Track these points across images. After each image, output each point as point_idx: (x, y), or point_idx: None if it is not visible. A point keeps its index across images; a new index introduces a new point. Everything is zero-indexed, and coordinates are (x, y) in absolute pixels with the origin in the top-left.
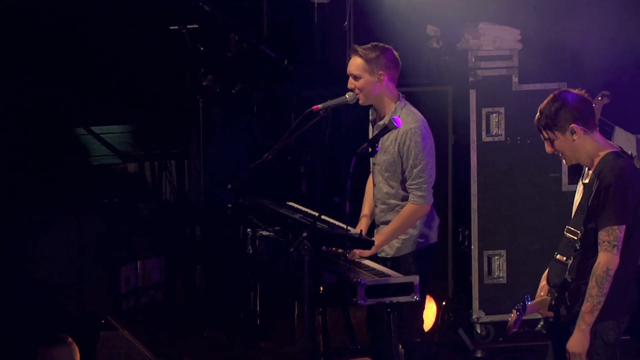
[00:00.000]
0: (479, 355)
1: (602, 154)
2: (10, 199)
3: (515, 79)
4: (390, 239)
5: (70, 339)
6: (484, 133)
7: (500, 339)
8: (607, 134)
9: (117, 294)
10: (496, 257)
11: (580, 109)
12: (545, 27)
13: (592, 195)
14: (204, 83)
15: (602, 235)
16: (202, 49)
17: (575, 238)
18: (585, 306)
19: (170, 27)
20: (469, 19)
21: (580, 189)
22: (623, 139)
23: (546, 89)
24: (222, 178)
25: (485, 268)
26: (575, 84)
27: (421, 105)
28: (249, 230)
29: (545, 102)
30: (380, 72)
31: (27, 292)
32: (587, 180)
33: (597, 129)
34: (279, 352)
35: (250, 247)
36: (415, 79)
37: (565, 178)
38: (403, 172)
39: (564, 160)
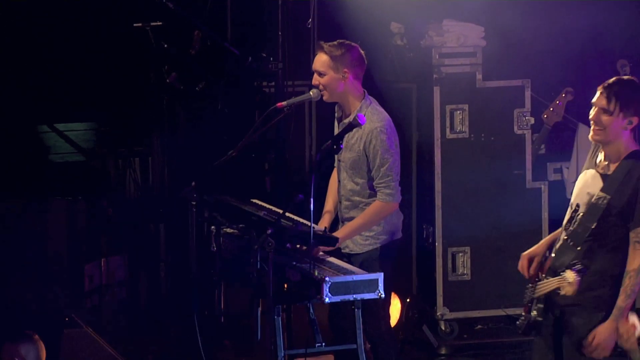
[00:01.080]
0: (443, 352)
1: (630, 150)
2: None
3: (479, 76)
4: (354, 235)
5: (36, 336)
6: (447, 130)
7: (465, 336)
8: (571, 131)
9: (80, 291)
10: (460, 254)
11: None
12: (508, 23)
13: (621, 191)
14: (167, 80)
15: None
16: (165, 46)
17: (591, 227)
18: (621, 299)
19: (134, 24)
20: (433, 16)
21: (590, 176)
22: (586, 136)
23: (510, 86)
24: (185, 175)
25: (450, 265)
26: (538, 80)
27: (385, 102)
28: (212, 227)
29: (627, 78)
30: (345, 69)
31: None
32: (609, 172)
33: None
34: (243, 350)
35: (214, 245)
36: (379, 76)
37: (529, 175)
38: (369, 171)
39: (592, 134)
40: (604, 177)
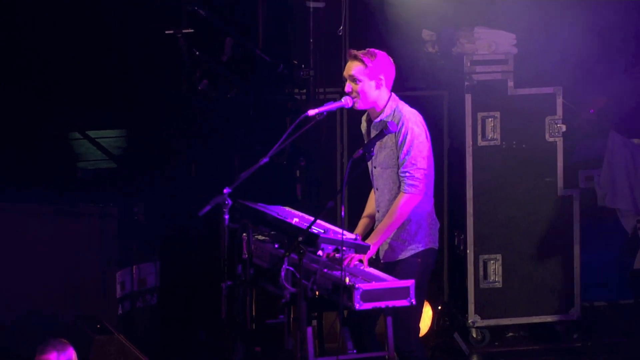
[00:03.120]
0: (474, 359)
1: None
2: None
3: (510, 83)
4: (386, 236)
5: (66, 342)
6: (479, 137)
7: (496, 343)
8: (603, 139)
9: (112, 298)
10: (492, 262)
11: None
12: (540, 30)
13: None
14: (199, 87)
15: None
16: (197, 53)
17: None
18: None
19: (166, 32)
20: (465, 24)
21: None
22: (618, 143)
23: (542, 93)
24: (217, 182)
25: (481, 272)
26: (570, 88)
27: (417, 109)
28: (244, 234)
29: None
30: (380, 75)
31: (22, 296)
32: None
33: None
34: (274, 357)
35: (245, 252)
36: (410, 84)
37: (560, 182)
38: None
39: None
40: None
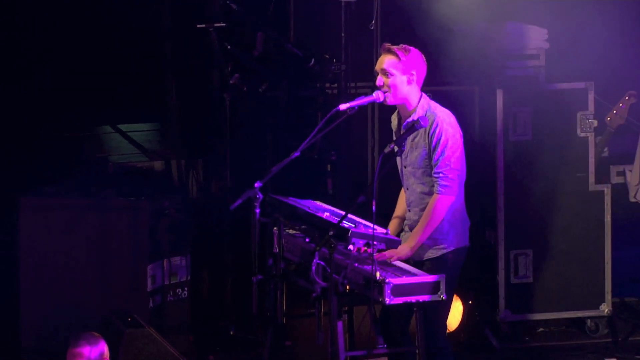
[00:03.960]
0: (505, 355)
1: None
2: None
3: (542, 78)
4: (424, 237)
5: (98, 335)
6: (510, 132)
7: (527, 339)
8: (634, 134)
9: (143, 291)
10: (522, 257)
11: None
12: (571, 26)
13: None
14: (230, 81)
15: None
16: (229, 47)
17: None
18: None
19: (198, 25)
20: (496, 19)
21: None
22: None
23: (573, 88)
24: (248, 176)
25: (512, 267)
26: (602, 83)
27: (448, 104)
28: (275, 228)
29: None
30: (413, 71)
31: (55, 290)
32: None
33: None
34: (305, 352)
35: (276, 246)
36: (441, 79)
37: (592, 178)
38: None
39: None
40: None
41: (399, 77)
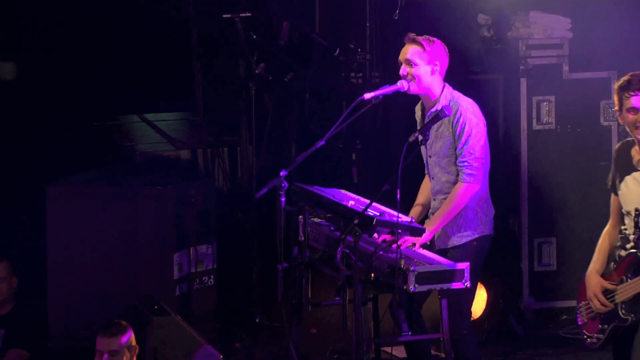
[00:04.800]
0: (528, 342)
1: None
2: (63, 186)
3: (565, 68)
4: (443, 223)
5: (125, 323)
6: (534, 121)
7: (550, 326)
8: None
9: (169, 279)
10: (546, 245)
11: None
12: (595, 15)
13: None
14: (256, 71)
15: None
16: (254, 37)
17: None
18: None
19: (224, 15)
20: (520, 8)
21: (638, 178)
22: None
23: (596, 77)
24: (274, 165)
25: (536, 255)
26: (625, 72)
27: (472, 93)
28: (300, 217)
29: None
30: (436, 61)
31: (83, 278)
32: None
33: None
34: (330, 338)
35: (301, 234)
36: (466, 68)
37: None
38: None
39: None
40: None
41: (423, 67)
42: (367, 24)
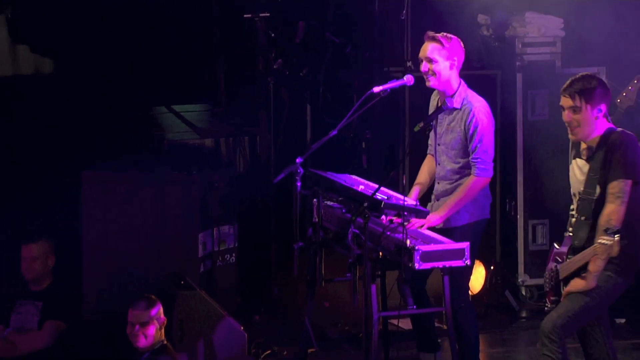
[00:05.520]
0: (523, 315)
1: (604, 132)
2: (97, 172)
3: (558, 64)
4: (454, 210)
5: (154, 297)
6: (529, 113)
7: (544, 300)
8: None
9: (195, 257)
10: (540, 226)
11: (609, 95)
12: (585, 15)
13: (602, 161)
14: (274, 66)
15: (610, 188)
16: (272, 35)
17: (593, 199)
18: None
19: (245, 16)
20: (517, 9)
21: (581, 164)
22: None
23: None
24: (290, 153)
25: (530, 236)
26: (613, 67)
27: (473, 87)
28: (315, 200)
29: (580, 75)
30: (455, 57)
31: (117, 257)
32: (594, 152)
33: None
34: (341, 312)
35: (316, 216)
36: (467, 64)
37: None
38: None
39: (571, 135)
40: (589, 158)
41: (443, 62)
42: (376, 24)
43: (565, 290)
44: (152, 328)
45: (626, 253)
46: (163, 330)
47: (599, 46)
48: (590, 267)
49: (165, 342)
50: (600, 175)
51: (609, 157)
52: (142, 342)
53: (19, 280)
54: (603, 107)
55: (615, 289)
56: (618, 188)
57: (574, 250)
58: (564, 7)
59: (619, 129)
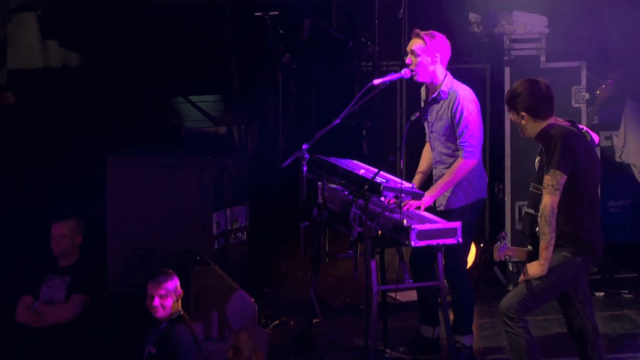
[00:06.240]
0: (510, 288)
1: (548, 130)
2: (121, 157)
3: (543, 58)
4: (444, 190)
5: (172, 272)
6: None
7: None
8: (620, 105)
9: (209, 235)
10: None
11: (534, 104)
12: (568, 14)
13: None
14: (282, 61)
15: (545, 180)
16: (281, 32)
17: (539, 192)
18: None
19: (255, 14)
20: (505, 8)
21: (537, 161)
22: (634, 109)
23: (569, 67)
24: (297, 140)
25: (517, 216)
26: (594, 62)
27: (464, 80)
28: (319, 183)
29: (516, 83)
30: (437, 53)
31: (138, 235)
32: (541, 151)
33: (552, 115)
34: (344, 286)
35: (320, 197)
36: (459, 58)
37: None
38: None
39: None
40: (540, 153)
41: (425, 58)
42: (376, 21)
43: (521, 279)
44: (169, 300)
45: (571, 234)
46: (180, 302)
47: (580, 43)
48: (541, 255)
49: (182, 312)
50: (545, 170)
51: (550, 152)
52: (161, 313)
53: (50, 256)
54: (524, 113)
55: (573, 268)
56: (550, 180)
57: (527, 239)
58: (548, 6)
59: (560, 125)
